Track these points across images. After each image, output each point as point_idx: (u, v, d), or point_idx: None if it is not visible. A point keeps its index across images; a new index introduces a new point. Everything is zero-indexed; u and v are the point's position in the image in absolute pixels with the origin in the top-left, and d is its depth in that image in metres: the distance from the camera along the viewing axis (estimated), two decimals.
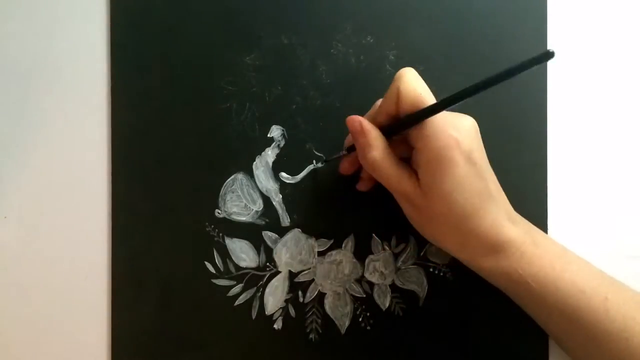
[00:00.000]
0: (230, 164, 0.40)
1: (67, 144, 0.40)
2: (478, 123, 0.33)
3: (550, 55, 0.25)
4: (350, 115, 0.34)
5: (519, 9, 0.40)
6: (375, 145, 0.33)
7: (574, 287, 0.32)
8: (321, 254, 0.40)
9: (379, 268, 0.40)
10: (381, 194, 0.40)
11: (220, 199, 0.40)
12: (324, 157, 0.40)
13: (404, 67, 0.32)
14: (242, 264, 0.40)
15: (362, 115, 0.35)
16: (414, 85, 0.32)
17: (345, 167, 0.38)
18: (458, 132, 0.31)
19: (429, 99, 0.32)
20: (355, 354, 0.39)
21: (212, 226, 0.40)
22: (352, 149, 0.36)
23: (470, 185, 0.31)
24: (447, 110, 0.31)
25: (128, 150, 0.40)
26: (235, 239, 0.40)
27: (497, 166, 0.38)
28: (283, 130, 0.40)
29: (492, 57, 0.40)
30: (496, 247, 0.32)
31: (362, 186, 0.39)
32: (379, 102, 0.35)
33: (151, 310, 0.40)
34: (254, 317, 0.40)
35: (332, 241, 0.40)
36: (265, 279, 0.40)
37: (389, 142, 0.34)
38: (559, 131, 0.40)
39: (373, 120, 0.34)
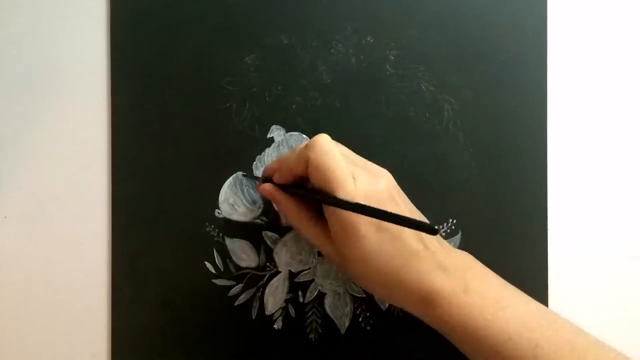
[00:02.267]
0: (230, 164, 0.40)
1: (67, 144, 0.40)
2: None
3: (435, 231, 0.26)
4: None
5: (519, 9, 0.40)
6: (290, 210, 0.34)
7: (502, 335, 0.31)
8: (321, 253, 0.40)
9: None
10: None
11: (220, 199, 0.40)
12: (246, 173, 0.40)
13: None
14: (242, 264, 0.40)
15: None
16: (324, 160, 0.31)
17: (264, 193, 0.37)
18: (367, 201, 0.30)
19: (339, 178, 0.31)
20: (355, 354, 0.39)
21: (212, 226, 0.40)
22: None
23: (385, 251, 0.31)
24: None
25: (128, 150, 0.40)
26: (235, 239, 0.40)
27: (497, 168, 0.38)
28: (283, 130, 0.40)
29: (492, 57, 0.40)
30: (423, 298, 0.32)
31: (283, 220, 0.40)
32: (284, 155, 0.36)
33: (151, 310, 0.40)
34: (254, 317, 0.40)
35: None
36: (265, 279, 0.40)
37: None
38: (559, 131, 0.40)
39: (280, 175, 0.35)
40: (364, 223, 0.30)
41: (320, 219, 0.34)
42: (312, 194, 0.33)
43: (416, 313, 0.33)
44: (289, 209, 0.35)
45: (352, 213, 0.30)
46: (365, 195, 0.31)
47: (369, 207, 0.29)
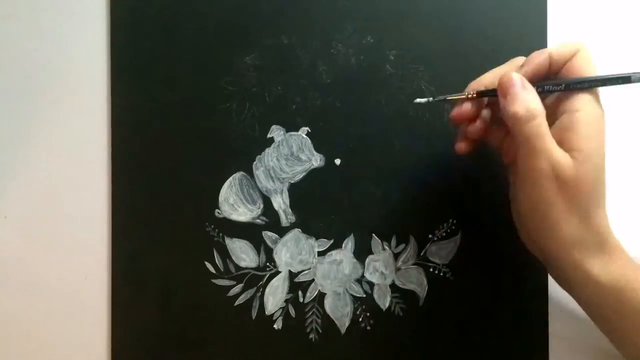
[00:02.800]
0: (230, 164, 0.40)
1: (67, 144, 0.40)
2: None
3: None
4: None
5: (519, 8, 0.40)
6: (535, 101, 0.31)
7: None
8: (321, 254, 0.40)
9: (379, 268, 0.40)
10: (379, 193, 0.40)
11: (220, 199, 0.40)
12: (431, 98, 0.36)
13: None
14: (242, 264, 0.40)
15: None
16: (591, 56, 0.32)
17: (460, 112, 0.34)
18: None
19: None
20: (355, 354, 0.39)
21: (212, 226, 0.40)
22: (484, 94, 0.34)
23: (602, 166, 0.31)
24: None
25: (128, 150, 0.40)
26: (235, 239, 0.40)
27: (497, 167, 0.38)
28: (283, 130, 0.40)
29: (492, 57, 0.40)
30: (607, 247, 0.31)
31: (461, 147, 0.35)
32: (518, 59, 0.34)
33: (151, 310, 0.40)
34: (254, 317, 0.40)
35: (332, 241, 0.40)
36: (265, 279, 0.40)
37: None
38: None
39: (528, 67, 0.33)
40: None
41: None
42: (576, 81, 0.31)
43: (593, 267, 0.31)
44: (536, 101, 0.31)
45: (602, 112, 0.31)
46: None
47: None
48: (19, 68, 0.41)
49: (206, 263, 0.40)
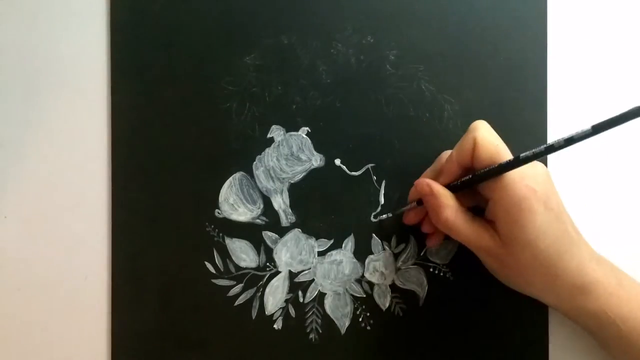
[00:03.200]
0: (230, 164, 0.40)
1: (67, 144, 0.40)
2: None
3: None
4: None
5: (519, 9, 0.40)
6: (448, 206, 0.33)
7: None
8: (321, 254, 0.40)
9: (379, 268, 0.40)
10: (380, 193, 0.40)
11: (220, 199, 0.40)
12: (389, 213, 0.39)
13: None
14: (242, 264, 0.40)
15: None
16: (490, 138, 0.33)
17: (410, 218, 0.38)
18: (534, 180, 0.32)
19: (505, 150, 0.32)
20: (355, 354, 0.39)
21: (212, 226, 0.40)
22: (420, 202, 0.36)
23: (552, 231, 0.32)
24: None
25: (128, 150, 0.40)
26: (235, 239, 0.40)
27: None
28: (283, 130, 0.40)
29: (492, 58, 0.40)
30: (583, 289, 0.33)
31: (432, 242, 0.38)
32: (444, 155, 0.36)
33: (151, 310, 0.40)
34: (254, 317, 0.40)
35: (332, 241, 0.40)
36: (265, 279, 0.40)
37: (457, 195, 0.34)
38: (559, 132, 0.40)
39: (437, 175, 0.35)
40: (535, 199, 0.31)
41: (476, 218, 0.34)
42: (485, 173, 0.32)
43: (568, 306, 0.34)
44: (449, 204, 0.33)
45: (525, 187, 0.31)
46: (528, 174, 0.32)
47: (556, 145, 0.29)
48: (19, 68, 0.41)
49: (206, 263, 0.40)
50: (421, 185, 0.34)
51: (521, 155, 0.31)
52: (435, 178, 0.36)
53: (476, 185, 0.34)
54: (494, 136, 0.33)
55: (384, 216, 0.39)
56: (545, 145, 0.29)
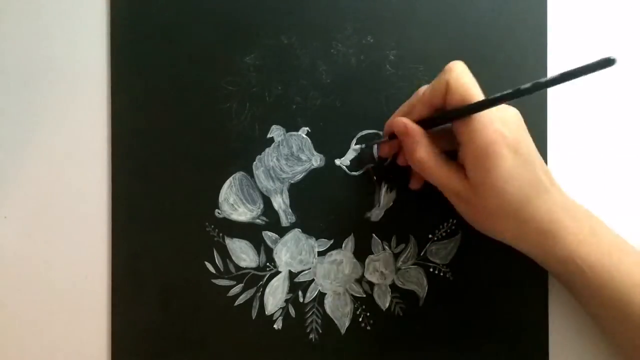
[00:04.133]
0: (230, 164, 0.40)
1: (67, 144, 0.40)
2: None
3: (611, 62, 0.25)
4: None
5: (519, 9, 0.40)
6: (422, 144, 0.33)
7: (629, 280, 0.32)
8: (321, 254, 0.40)
9: (379, 268, 0.40)
10: (379, 193, 0.40)
11: (220, 199, 0.40)
12: (364, 144, 0.39)
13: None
14: (242, 264, 0.40)
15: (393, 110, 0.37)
16: (464, 80, 0.32)
17: (384, 151, 0.38)
18: (504, 125, 0.32)
19: (478, 93, 0.32)
20: (355, 354, 0.39)
21: (212, 226, 0.40)
22: (393, 136, 0.36)
23: (520, 176, 0.32)
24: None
25: (128, 150, 0.40)
26: (235, 239, 0.40)
27: None
28: (283, 130, 0.40)
29: (492, 57, 0.40)
30: (552, 235, 0.33)
31: (414, 184, 0.39)
32: (421, 90, 0.35)
33: (151, 310, 0.40)
34: (254, 317, 0.40)
35: (332, 241, 0.40)
36: (265, 279, 0.40)
37: (430, 135, 0.34)
38: (559, 132, 0.40)
39: (412, 110, 0.35)
40: (504, 144, 0.31)
41: (449, 160, 0.34)
42: (455, 112, 0.32)
43: (538, 252, 0.34)
44: (423, 143, 0.33)
45: (494, 132, 0.31)
46: (498, 117, 0.32)
47: (522, 88, 0.28)
48: (19, 68, 0.41)
49: (206, 263, 0.40)
50: (397, 124, 0.34)
51: (490, 97, 0.30)
52: (409, 113, 0.35)
53: (450, 127, 0.34)
54: (468, 78, 0.32)
55: (357, 146, 0.39)
56: (513, 89, 0.29)
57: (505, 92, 0.29)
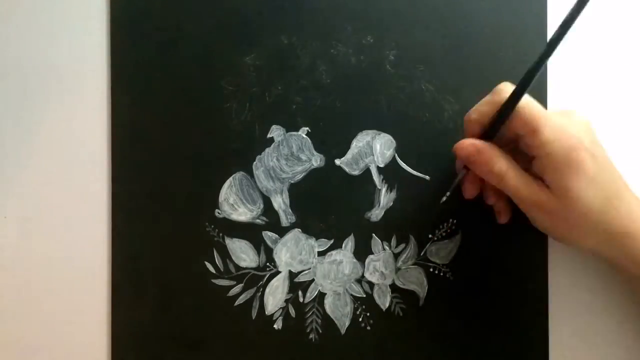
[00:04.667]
0: (230, 164, 0.40)
1: (67, 144, 0.40)
2: None
3: None
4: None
5: (519, 9, 0.40)
6: (498, 155, 0.33)
7: None
8: (321, 254, 0.40)
9: (379, 268, 0.40)
10: (379, 193, 0.40)
11: (220, 199, 0.40)
12: (448, 194, 0.36)
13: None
14: (242, 264, 0.40)
15: None
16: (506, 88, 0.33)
17: (470, 191, 0.37)
18: (578, 130, 0.32)
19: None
20: (355, 354, 0.39)
21: (212, 226, 0.40)
22: (467, 167, 0.36)
23: (601, 179, 0.32)
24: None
25: (128, 150, 0.40)
26: (235, 239, 0.40)
27: None
28: (283, 130, 0.40)
29: (492, 57, 0.40)
30: (635, 236, 0.33)
31: (503, 218, 0.38)
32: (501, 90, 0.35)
33: (151, 310, 0.40)
34: (254, 317, 0.40)
35: (332, 241, 0.40)
36: (265, 279, 0.40)
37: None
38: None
39: (477, 124, 0.35)
40: (583, 149, 0.32)
41: (524, 171, 0.34)
42: (505, 108, 0.33)
43: (621, 255, 0.34)
44: (499, 155, 0.33)
45: (571, 137, 0.32)
46: (570, 124, 0.33)
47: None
48: (19, 68, 0.41)
49: (206, 263, 0.40)
50: (463, 147, 0.34)
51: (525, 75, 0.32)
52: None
53: (523, 146, 0.34)
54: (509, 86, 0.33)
55: (444, 198, 0.37)
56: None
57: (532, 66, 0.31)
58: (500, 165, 0.33)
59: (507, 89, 0.33)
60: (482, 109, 0.34)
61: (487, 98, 0.34)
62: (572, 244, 0.35)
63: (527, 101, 0.33)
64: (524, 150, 0.34)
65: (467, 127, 0.35)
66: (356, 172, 0.40)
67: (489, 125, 0.34)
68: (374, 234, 0.40)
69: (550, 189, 0.33)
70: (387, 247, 0.40)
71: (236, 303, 0.40)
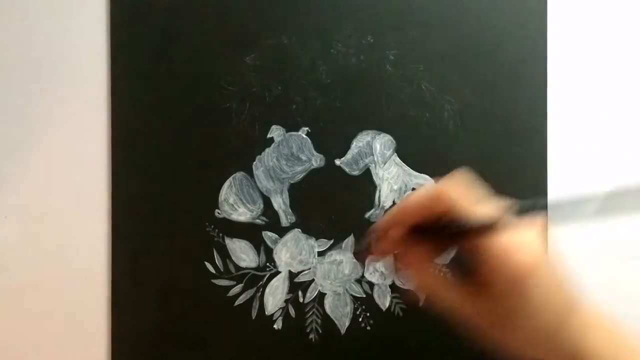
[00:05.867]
0: (230, 164, 0.40)
1: (67, 144, 0.40)
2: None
3: None
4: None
5: (519, 9, 0.40)
6: (428, 275, 0.32)
7: None
8: (321, 254, 0.40)
9: (379, 268, 0.40)
10: (379, 193, 0.40)
11: (220, 199, 0.40)
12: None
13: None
14: (242, 264, 0.40)
15: None
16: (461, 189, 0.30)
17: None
18: (534, 246, 0.30)
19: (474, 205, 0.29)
20: (355, 354, 0.39)
21: (212, 226, 0.40)
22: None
23: (555, 298, 0.30)
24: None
25: (128, 150, 0.40)
26: (235, 239, 0.40)
27: (497, 167, 0.38)
28: (283, 130, 0.40)
29: (492, 57, 0.40)
30: (584, 355, 0.31)
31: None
32: (403, 204, 0.32)
33: (151, 310, 0.40)
34: (254, 317, 0.40)
35: (332, 241, 0.40)
36: (265, 279, 0.40)
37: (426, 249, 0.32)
38: (559, 131, 0.40)
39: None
40: (543, 268, 0.29)
41: (449, 277, 0.32)
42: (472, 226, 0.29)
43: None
44: (426, 273, 0.32)
45: (529, 256, 0.29)
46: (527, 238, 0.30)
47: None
48: (19, 68, 0.41)
49: (206, 263, 0.40)
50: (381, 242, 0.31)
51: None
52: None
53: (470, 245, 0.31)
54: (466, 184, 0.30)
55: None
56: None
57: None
58: (432, 282, 0.32)
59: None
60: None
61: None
62: (517, 355, 0.33)
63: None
64: (471, 250, 0.31)
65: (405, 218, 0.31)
66: (356, 172, 0.40)
67: (430, 226, 0.31)
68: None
69: (494, 303, 0.31)
70: None
71: (236, 303, 0.40)
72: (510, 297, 0.30)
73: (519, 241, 0.29)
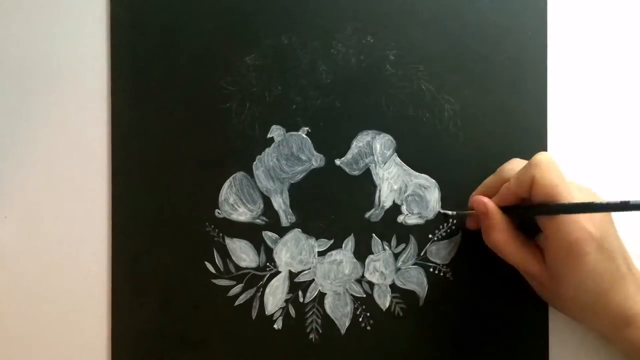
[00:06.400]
0: (230, 164, 0.40)
1: (67, 144, 0.40)
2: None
3: None
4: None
5: (519, 9, 0.40)
6: (499, 228, 0.34)
7: None
8: (321, 254, 0.40)
9: (379, 268, 0.40)
10: (379, 193, 0.40)
11: (220, 199, 0.40)
12: (454, 212, 0.39)
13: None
14: (242, 264, 0.40)
15: None
16: (550, 177, 0.32)
17: (472, 224, 0.39)
18: (592, 222, 0.32)
19: (564, 191, 0.32)
20: (355, 354, 0.39)
21: (212, 226, 0.40)
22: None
23: (601, 271, 0.32)
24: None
25: (128, 150, 0.40)
26: (235, 239, 0.40)
27: (498, 168, 0.38)
28: (283, 130, 0.40)
29: (492, 57, 0.40)
30: (626, 321, 0.33)
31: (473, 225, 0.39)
32: (511, 164, 0.36)
33: (151, 310, 0.40)
34: (254, 317, 0.40)
35: (332, 241, 0.40)
36: (265, 279, 0.40)
37: (512, 221, 0.35)
38: (559, 131, 0.40)
39: (496, 188, 0.36)
40: (590, 241, 0.31)
41: (527, 242, 0.35)
42: (539, 209, 0.33)
43: (613, 335, 0.34)
44: (500, 227, 0.34)
45: (580, 230, 0.31)
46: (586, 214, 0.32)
47: (608, 202, 0.29)
48: (19, 68, 0.41)
49: (206, 263, 0.40)
50: (477, 202, 0.35)
51: (580, 203, 0.31)
52: (493, 190, 0.36)
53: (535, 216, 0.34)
54: (555, 175, 0.32)
55: (450, 212, 0.39)
56: (610, 202, 0.29)
57: (595, 204, 0.30)
58: (496, 236, 0.34)
59: (514, 166, 0.34)
60: (520, 184, 0.34)
61: (527, 173, 0.33)
62: (565, 314, 0.37)
63: (550, 170, 0.32)
64: (536, 220, 0.34)
65: (503, 189, 0.35)
66: (356, 172, 0.40)
67: (515, 205, 0.35)
68: (374, 234, 0.40)
69: (547, 267, 0.34)
70: (387, 247, 0.40)
71: (236, 303, 0.40)
72: (560, 266, 0.33)
73: (575, 216, 0.32)
